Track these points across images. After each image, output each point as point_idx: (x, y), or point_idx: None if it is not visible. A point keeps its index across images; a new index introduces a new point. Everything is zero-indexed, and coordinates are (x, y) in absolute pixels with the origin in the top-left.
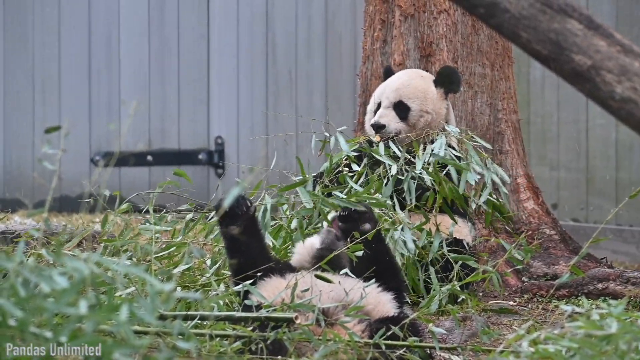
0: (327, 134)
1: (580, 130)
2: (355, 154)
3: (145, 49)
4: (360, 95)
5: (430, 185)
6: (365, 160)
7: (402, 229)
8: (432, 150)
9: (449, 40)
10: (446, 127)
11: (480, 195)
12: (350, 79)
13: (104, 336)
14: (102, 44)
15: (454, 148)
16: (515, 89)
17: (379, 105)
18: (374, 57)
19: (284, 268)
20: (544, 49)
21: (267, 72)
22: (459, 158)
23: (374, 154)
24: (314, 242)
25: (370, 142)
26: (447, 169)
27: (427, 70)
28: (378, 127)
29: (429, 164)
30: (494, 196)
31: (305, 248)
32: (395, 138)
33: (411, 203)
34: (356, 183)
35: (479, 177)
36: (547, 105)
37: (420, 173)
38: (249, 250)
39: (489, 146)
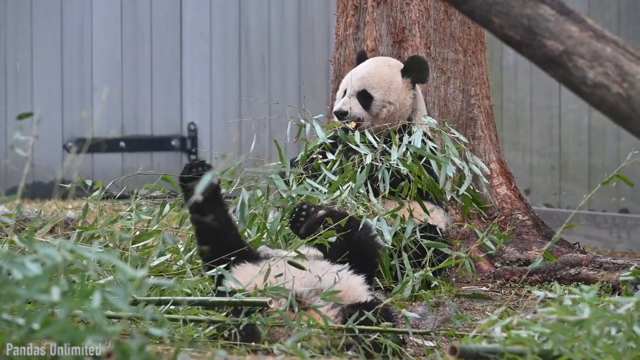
0: (302, 121)
1: (553, 115)
2: (330, 141)
3: (118, 36)
4: (334, 81)
5: (406, 176)
6: (340, 147)
7: (378, 220)
8: (410, 142)
9: (421, 26)
10: (423, 118)
11: (459, 188)
12: (324, 65)
13: (77, 322)
14: (75, 30)
15: (430, 138)
16: (487, 75)
17: (345, 93)
18: (347, 43)
19: (255, 254)
20: (517, 34)
21: (240, 58)
22: (435, 149)
23: (349, 143)
24: None
25: (346, 130)
26: (423, 159)
27: (399, 56)
28: (340, 115)
29: (405, 156)
30: (472, 186)
31: None
32: (370, 128)
33: (384, 191)
34: (330, 170)
35: (455, 169)
36: (519, 90)
37: (397, 164)
38: (215, 218)
39: (465, 139)
